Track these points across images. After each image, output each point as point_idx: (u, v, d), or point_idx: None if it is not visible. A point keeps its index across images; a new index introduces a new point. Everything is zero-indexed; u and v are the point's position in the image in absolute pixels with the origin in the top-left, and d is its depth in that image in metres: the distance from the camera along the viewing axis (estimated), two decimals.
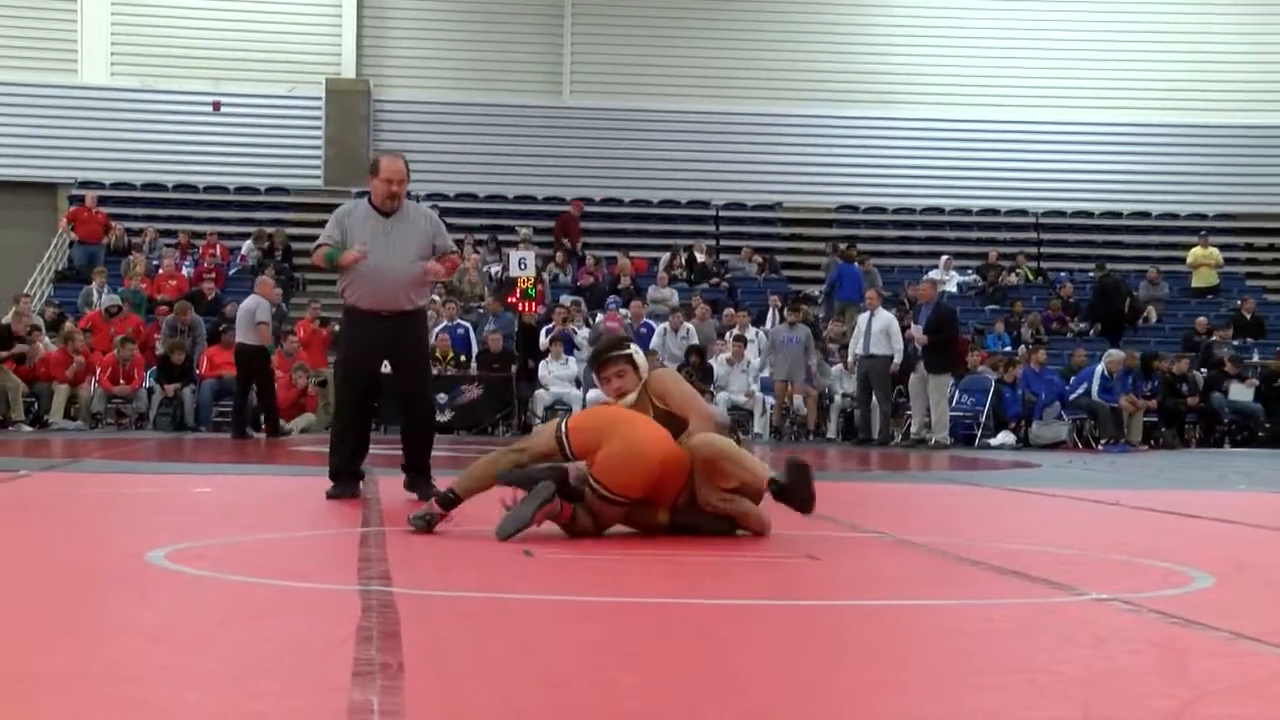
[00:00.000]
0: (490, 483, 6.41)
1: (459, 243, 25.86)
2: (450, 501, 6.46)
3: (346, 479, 8.51)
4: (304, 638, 3.92)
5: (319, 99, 28.90)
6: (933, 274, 26.48)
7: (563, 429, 6.47)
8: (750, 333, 22.18)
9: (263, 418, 18.58)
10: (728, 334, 21.67)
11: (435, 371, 20.88)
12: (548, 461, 6.40)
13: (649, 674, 3.56)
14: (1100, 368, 20.72)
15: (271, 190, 28.25)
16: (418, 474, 8.46)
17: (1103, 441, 20.18)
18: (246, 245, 25.86)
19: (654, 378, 6.87)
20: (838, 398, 20.96)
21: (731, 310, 23.32)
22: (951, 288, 26.54)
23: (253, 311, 17.93)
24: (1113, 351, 21.58)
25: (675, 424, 6.54)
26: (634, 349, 6.91)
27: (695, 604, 4.83)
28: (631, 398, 6.69)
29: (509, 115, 29.02)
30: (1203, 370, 22.32)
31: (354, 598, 4.52)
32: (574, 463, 6.39)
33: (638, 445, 6.31)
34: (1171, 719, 3.11)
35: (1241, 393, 22.24)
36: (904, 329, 19.42)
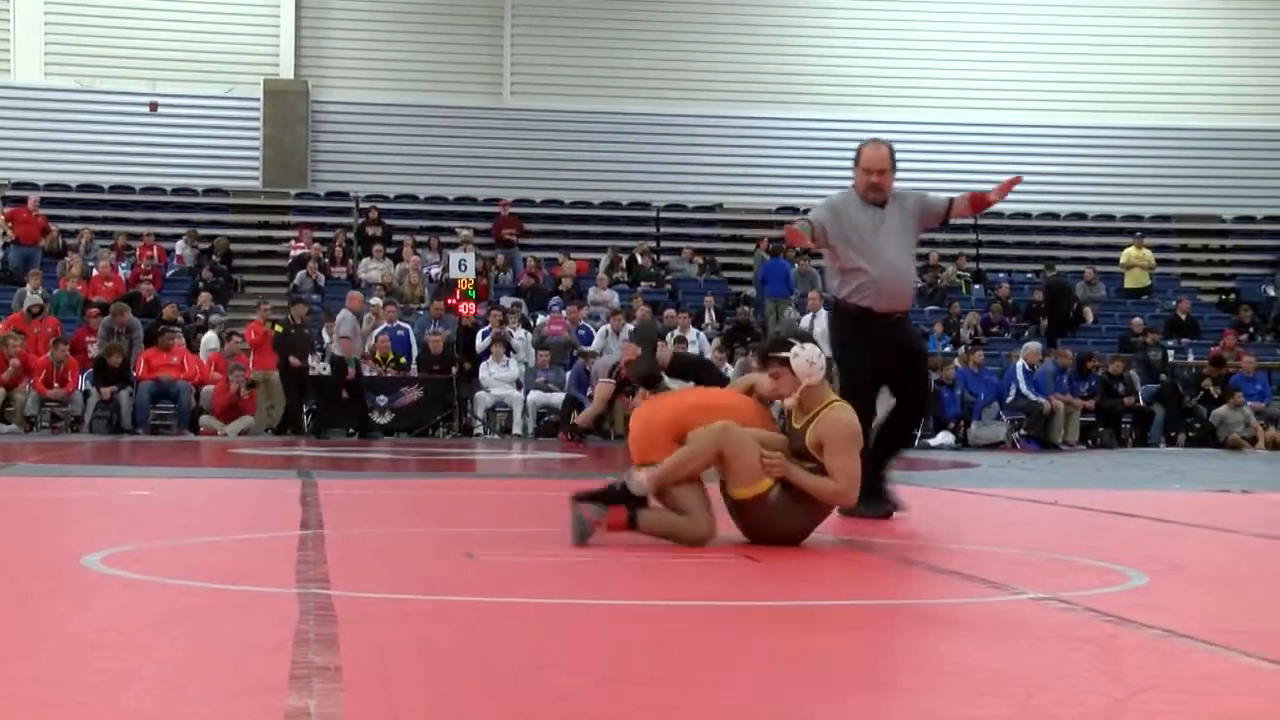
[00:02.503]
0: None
1: (399, 244, 25.89)
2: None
3: (877, 496, 7.61)
4: (242, 641, 3.90)
5: (257, 100, 28.71)
6: None
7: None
8: (691, 334, 22.20)
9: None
10: (669, 335, 21.68)
11: (374, 373, 20.81)
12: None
13: (591, 676, 3.56)
14: (1020, 363, 20.92)
15: (209, 191, 28.03)
16: (877, 491, 7.56)
17: (1020, 432, 20.38)
18: (179, 245, 25.65)
19: (826, 422, 6.26)
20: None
21: (672, 311, 23.34)
22: None
23: (338, 326, 19.70)
24: (1029, 344, 21.83)
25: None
26: (794, 351, 6.27)
27: (635, 605, 4.83)
28: (790, 402, 6.33)
29: (449, 116, 28.95)
30: (1135, 373, 22.50)
31: (292, 601, 4.49)
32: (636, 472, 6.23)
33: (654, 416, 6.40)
34: (1107, 715, 3.14)
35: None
36: None
